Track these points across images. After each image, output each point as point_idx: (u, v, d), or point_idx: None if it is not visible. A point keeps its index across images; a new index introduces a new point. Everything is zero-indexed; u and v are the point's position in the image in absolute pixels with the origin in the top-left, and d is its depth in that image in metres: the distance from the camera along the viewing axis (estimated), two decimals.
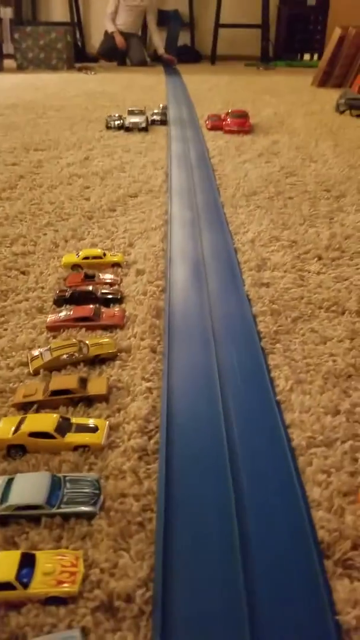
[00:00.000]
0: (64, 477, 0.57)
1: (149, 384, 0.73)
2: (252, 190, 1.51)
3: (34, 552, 0.50)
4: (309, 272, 1.05)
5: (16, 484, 0.55)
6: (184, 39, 5.30)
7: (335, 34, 3.20)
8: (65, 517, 0.54)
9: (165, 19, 5.17)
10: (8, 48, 4.92)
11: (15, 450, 0.62)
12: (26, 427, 0.62)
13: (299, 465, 0.60)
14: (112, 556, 0.50)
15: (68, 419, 0.65)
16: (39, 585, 0.47)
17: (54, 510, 0.54)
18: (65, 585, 0.47)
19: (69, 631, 0.44)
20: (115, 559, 0.50)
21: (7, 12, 5.25)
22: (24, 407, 0.68)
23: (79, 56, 5.01)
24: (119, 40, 4.71)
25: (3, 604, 0.46)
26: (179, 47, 5.24)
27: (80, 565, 0.49)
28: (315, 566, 0.48)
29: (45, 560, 0.49)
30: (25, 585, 0.47)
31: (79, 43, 5.29)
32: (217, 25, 4.96)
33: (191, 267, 1.08)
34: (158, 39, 4.89)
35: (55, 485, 0.56)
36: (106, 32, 4.86)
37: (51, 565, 0.48)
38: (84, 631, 0.44)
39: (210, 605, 0.46)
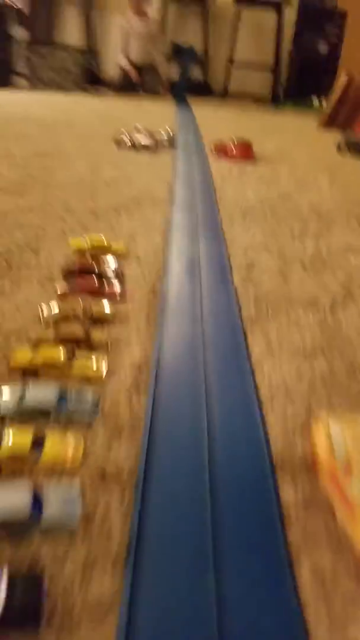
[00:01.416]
0: (70, 390, 0.73)
1: (142, 341, 0.90)
2: (249, 209, 1.71)
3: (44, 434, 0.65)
4: (292, 276, 1.23)
5: (32, 390, 0.71)
6: (196, 74, 5.65)
7: (341, 79, 3.50)
8: (70, 418, 0.70)
9: (180, 53, 5.53)
10: (21, 67, 5.22)
11: (29, 374, 0.78)
12: (40, 356, 0.78)
13: (264, 407, 0.76)
14: (106, 442, 0.66)
15: (74, 355, 0.81)
16: (48, 458, 0.62)
17: (61, 412, 0.69)
18: (69, 453, 0.62)
19: (71, 487, 0.59)
20: (109, 444, 0.65)
21: (22, 32, 5.58)
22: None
23: (92, 80, 5.33)
24: (134, 75, 5.03)
25: (16, 468, 0.61)
26: (192, 80, 5.57)
27: (81, 448, 0.64)
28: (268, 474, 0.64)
29: (53, 438, 0.64)
30: (38, 447, 0.62)
31: (93, 68, 5.61)
32: (230, 62, 5.31)
33: (187, 262, 1.25)
34: (163, 65, 5.21)
35: (62, 394, 0.72)
36: (121, 67, 5.18)
37: (56, 443, 0.63)
38: (82, 487, 0.59)
39: (180, 486, 0.61)
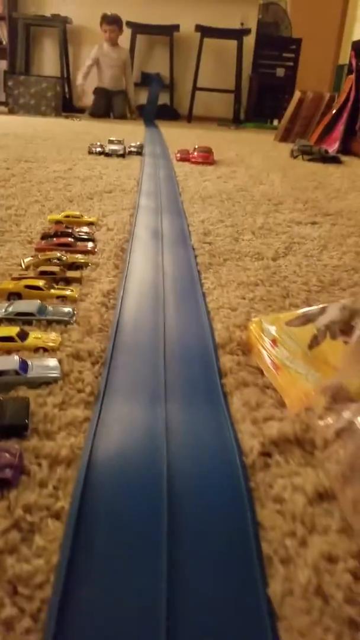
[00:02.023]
0: (49, 305, 0.85)
1: (111, 278, 1.02)
2: (208, 196, 1.86)
3: (27, 328, 0.77)
4: (243, 239, 1.37)
5: (16, 303, 0.83)
6: (163, 99, 5.87)
7: (295, 96, 3.71)
8: (49, 322, 0.81)
9: (148, 80, 5.75)
10: (0, 95, 5.39)
11: (14, 297, 0.89)
12: (23, 283, 0.90)
13: (211, 316, 0.89)
14: (80, 337, 0.78)
15: (54, 284, 0.93)
16: (32, 341, 0.74)
17: (42, 317, 0.81)
18: (50, 342, 0.74)
19: (50, 359, 0.71)
20: (82, 338, 0.77)
21: (2, 64, 5.77)
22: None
23: (66, 107, 5.51)
24: (82, 93, 5.26)
25: (5, 350, 0.73)
26: (159, 105, 5.79)
27: (59, 339, 0.76)
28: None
29: (35, 333, 0.76)
30: (23, 339, 0.74)
31: (67, 95, 5.80)
32: (195, 88, 5.54)
33: (151, 231, 1.39)
34: (132, 92, 5.43)
35: (42, 307, 0.84)
36: (94, 92, 5.36)
37: (39, 335, 0.75)
38: (60, 363, 0.71)
39: (141, 359, 0.73)
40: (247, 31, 5.46)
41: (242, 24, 5.55)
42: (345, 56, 4.26)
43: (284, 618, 0.39)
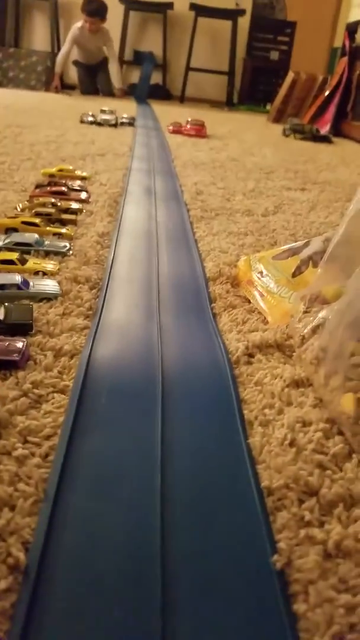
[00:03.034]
0: (46, 238, 0.91)
1: (105, 224, 1.08)
2: (200, 164, 1.92)
3: (26, 257, 0.83)
4: (234, 199, 1.43)
5: (14, 235, 0.89)
6: (156, 78, 5.89)
7: (288, 77, 3.78)
8: (47, 253, 0.87)
9: (140, 58, 5.77)
10: None
11: (11, 231, 0.95)
12: (19, 219, 0.96)
13: (203, 258, 0.95)
14: (77, 266, 0.84)
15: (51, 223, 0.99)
16: (31, 265, 0.80)
17: (40, 248, 0.87)
18: (49, 267, 0.80)
19: (50, 280, 0.77)
20: (79, 267, 0.84)
21: None
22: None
23: (57, 89, 5.50)
24: (56, 82, 4.97)
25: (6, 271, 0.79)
26: (151, 85, 5.81)
27: (58, 266, 0.82)
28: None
29: (34, 260, 0.82)
30: (23, 264, 0.80)
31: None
32: (188, 68, 5.57)
33: (144, 189, 1.45)
34: (116, 74, 5.21)
35: (40, 240, 0.90)
36: (78, 72, 5.28)
37: (38, 262, 0.81)
38: (59, 284, 0.77)
39: (136, 290, 0.80)
40: (242, 12, 5.49)
41: (237, 4, 5.59)
42: (340, 39, 4.33)
43: (263, 461, 0.46)
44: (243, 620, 0.33)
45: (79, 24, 4.90)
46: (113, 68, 5.18)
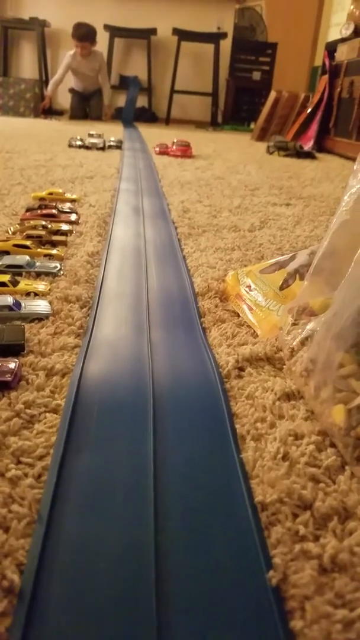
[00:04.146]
0: (37, 260, 0.91)
1: (95, 243, 1.08)
2: (186, 183, 1.93)
3: (18, 278, 0.82)
4: (220, 216, 1.44)
5: (6, 258, 0.89)
6: (142, 101, 5.95)
7: (271, 96, 3.82)
8: (38, 274, 0.87)
9: (126, 83, 5.83)
10: None
11: (3, 254, 0.95)
12: (11, 242, 0.96)
13: (191, 273, 0.95)
14: (68, 286, 0.83)
15: (42, 245, 0.98)
16: (23, 287, 0.80)
17: (31, 269, 0.87)
18: (40, 288, 0.80)
19: (41, 300, 0.76)
20: (70, 287, 0.83)
21: None
22: None
23: (45, 109, 5.54)
24: (46, 101, 5.15)
25: None
26: (137, 108, 5.86)
27: (49, 286, 0.82)
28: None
29: (26, 281, 0.81)
30: (14, 285, 0.79)
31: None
32: (172, 91, 5.63)
33: (132, 208, 1.45)
34: (107, 93, 5.34)
35: (31, 262, 0.89)
36: (72, 98, 5.37)
37: (30, 282, 0.81)
38: (50, 304, 0.76)
39: (127, 305, 0.79)
40: (223, 35, 5.58)
41: (218, 27, 5.67)
42: (321, 58, 4.40)
43: (256, 476, 0.45)
44: (240, 637, 0.32)
45: (71, 51, 4.99)
46: (105, 88, 5.26)
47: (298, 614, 0.33)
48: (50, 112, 5.61)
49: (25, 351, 0.62)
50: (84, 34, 4.93)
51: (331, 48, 3.68)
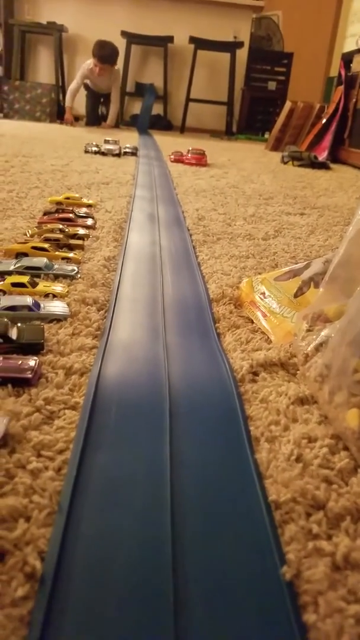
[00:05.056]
0: (55, 262, 0.93)
1: (111, 248, 1.10)
2: (201, 191, 1.95)
3: (37, 280, 0.84)
4: (235, 224, 1.45)
5: (25, 259, 0.91)
6: (157, 109, 6.00)
7: (286, 106, 3.85)
8: (56, 276, 0.89)
9: (141, 90, 5.88)
10: None
11: (21, 256, 0.97)
12: (29, 244, 0.98)
13: (206, 280, 0.97)
14: (85, 289, 0.85)
15: (59, 248, 1.01)
16: (41, 288, 0.82)
17: (49, 271, 0.89)
18: (58, 290, 0.82)
19: (59, 302, 0.78)
20: (87, 289, 0.85)
21: None
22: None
23: (61, 114, 5.61)
24: (68, 117, 5.03)
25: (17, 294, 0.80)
26: (152, 116, 5.91)
27: (67, 288, 0.84)
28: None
29: (44, 283, 0.84)
30: (33, 286, 0.81)
31: (62, 103, 5.90)
32: (188, 99, 5.68)
33: (148, 215, 1.47)
34: (113, 113, 5.27)
35: (49, 264, 0.91)
36: (87, 98, 5.40)
37: (48, 284, 0.83)
38: (68, 306, 0.78)
39: (141, 310, 0.81)
40: (240, 44, 5.62)
41: (235, 37, 5.72)
42: (336, 68, 4.42)
43: (270, 476, 0.46)
44: (254, 629, 0.33)
45: (89, 63, 4.91)
46: (112, 108, 5.21)
47: (311, 608, 0.35)
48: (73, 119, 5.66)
49: (44, 350, 0.64)
50: (107, 56, 4.76)
51: (347, 59, 3.70)
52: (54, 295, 0.81)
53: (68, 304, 0.77)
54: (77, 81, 5.03)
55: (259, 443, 0.50)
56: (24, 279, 0.81)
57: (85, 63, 4.97)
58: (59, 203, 1.43)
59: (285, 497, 0.43)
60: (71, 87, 5.07)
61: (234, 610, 0.34)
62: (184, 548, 0.38)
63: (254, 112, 5.92)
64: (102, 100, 5.34)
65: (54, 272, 0.89)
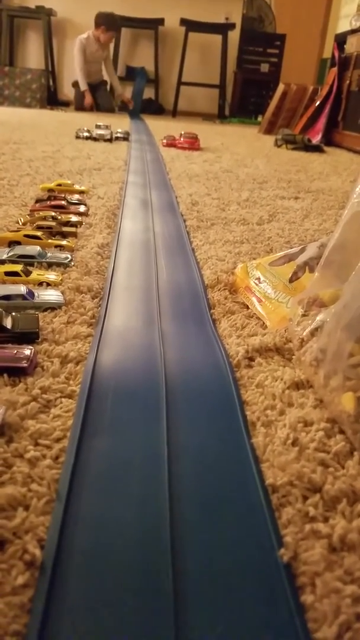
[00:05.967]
0: (48, 251, 0.92)
1: (104, 235, 1.09)
2: (194, 175, 1.94)
3: (30, 268, 0.84)
4: (229, 209, 1.45)
5: (17, 248, 0.90)
6: (148, 93, 5.95)
7: (279, 89, 3.82)
8: (50, 264, 0.89)
9: (132, 74, 5.82)
10: None
11: (14, 244, 0.96)
12: (22, 232, 0.98)
13: (200, 266, 0.97)
14: (79, 277, 0.85)
15: (52, 236, 1.00)
16: (35, 277, 0.81)
17: (43, 260, 0.89)
18: (52, 278, 0.82)
19: (53, 290, 0.78)
20: (81, 277, 0.85)
21: None
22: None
23: (51, 100, 5.56)
24: (88, 99, 5.09)
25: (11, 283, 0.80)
26: (143, 100, 5.86)
27: (60, 277, 0.83)
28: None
29: (38, 271, 0.83)
30: (27, 275, 0.81)
31: (52, 88, 5.85)
32: (180, 82, 5.63)
33: (140, 201, 1.46)
34: (117, 82, 5.36)
35: (42, 252, 0.91)
36: (76, 88, 5.34)
37: (42, 273, 0.83)
38: (63, 294, 0.78)
39: (137, 298, 0.81)
40: (231, 26, 5.57)
41: (226, 18, 5.66)
42: (330, 50, 4.39)
43: (266, 460, 0.47)
44: (253, 610, 0.34)
45: (83, 35, 4.94)
46: (114, 79, 5.24)
47: (308, 589, 0.35)
48: (56, 102, 5.62)
49: (39, 339, 0.64)
50: (113, 22, 4.91)
51: (341, 40, 3.67)
52: (48, 284, 0.80)
53: (62, 292, 0.77)
54: (78, 57, 4.98)
55: (255, 428, 0.51)
56: (17, 267, 0.81)
57: (81, 37, 4.94)
58: (50, 190, 1.42)
59: (282, 480, 0.43)
60: (78, 68, 4.98)
61: (233, 593, 0.35)
62: (182, 533, 0.38)
63: (247, 95, 5.88)
64: (93, 91, 5.29)
65: (48, 260, 0.89)
